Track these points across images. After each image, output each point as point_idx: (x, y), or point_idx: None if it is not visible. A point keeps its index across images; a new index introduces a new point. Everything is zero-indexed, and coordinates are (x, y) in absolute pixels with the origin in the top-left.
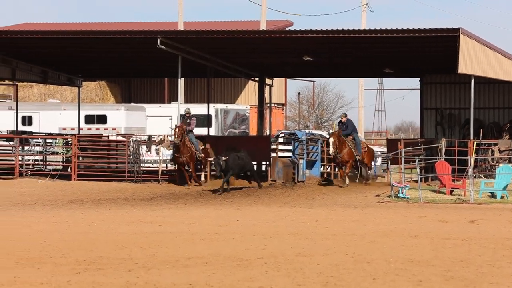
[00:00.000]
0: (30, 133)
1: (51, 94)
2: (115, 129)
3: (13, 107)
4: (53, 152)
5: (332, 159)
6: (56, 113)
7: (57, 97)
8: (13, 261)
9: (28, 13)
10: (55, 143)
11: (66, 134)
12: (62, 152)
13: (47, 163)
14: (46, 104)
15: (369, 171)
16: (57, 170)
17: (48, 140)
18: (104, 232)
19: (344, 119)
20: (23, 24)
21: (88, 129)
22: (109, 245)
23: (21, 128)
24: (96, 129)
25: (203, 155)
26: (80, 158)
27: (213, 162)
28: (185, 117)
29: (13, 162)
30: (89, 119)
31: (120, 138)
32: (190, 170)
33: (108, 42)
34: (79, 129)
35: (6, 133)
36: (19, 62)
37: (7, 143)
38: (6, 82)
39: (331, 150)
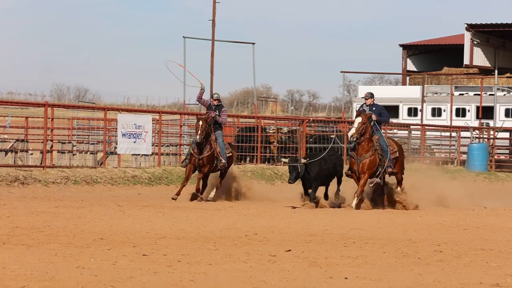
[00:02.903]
0: None
1: None
2: None
3: None
4: None
5: (349, 166)
6: None
7: None
8: None
9: None
10: None
11: None
12: None
13: None
14: None
15: (398, 188)
16: None
17: None
18: None
19: (369, 101)
20: None
21: None
22: None
23: None
24: None
25: (223, 163)
26: None
27: (287, 165)
28: (212, 106)
29: None
30: None
31: None
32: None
33: None
34: None
35: None
36: None
37: None
38: None
39: (351, 132)
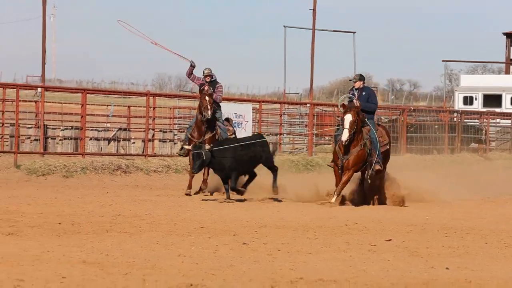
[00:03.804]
0: None
1: None
2: None
3: None
4: None
5: (334, 159)
6: None
7: None
8: None
9: None
10: None
11: None
12: None
13: None
14: None
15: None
16: None
17: None
18: None
19: (357, 84)
20: None
21: None
22: None
23: None
24: None
25: None
26: None
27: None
28: (205, 82)
29: None
30: None
31: None
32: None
33: None
34: None
35: None
36: None
37: None
38: None
39: (345, 136)
